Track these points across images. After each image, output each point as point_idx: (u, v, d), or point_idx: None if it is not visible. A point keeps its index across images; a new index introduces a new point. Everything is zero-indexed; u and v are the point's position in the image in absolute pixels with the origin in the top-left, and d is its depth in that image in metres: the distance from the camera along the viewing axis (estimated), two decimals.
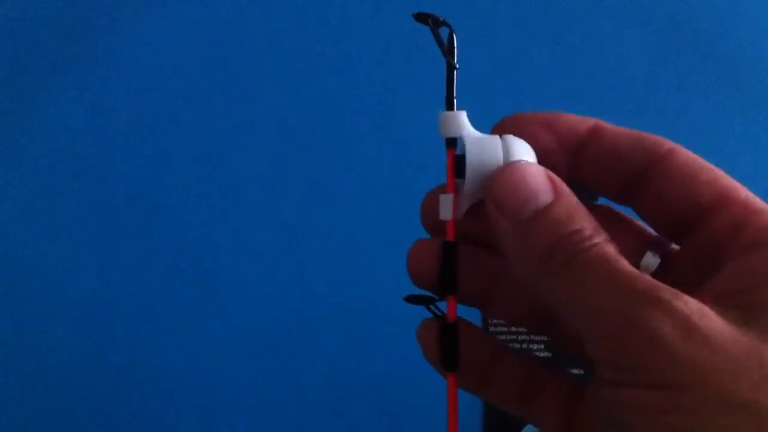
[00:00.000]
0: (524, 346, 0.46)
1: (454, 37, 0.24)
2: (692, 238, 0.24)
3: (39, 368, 0.51)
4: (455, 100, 0.25)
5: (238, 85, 0.56)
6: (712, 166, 0.24)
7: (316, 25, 0.57)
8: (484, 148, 0.24)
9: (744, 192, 0.23)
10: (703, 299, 0.20)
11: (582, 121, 0.25)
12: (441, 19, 0.24)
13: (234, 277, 0.52)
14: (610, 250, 0.22)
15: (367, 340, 0.49)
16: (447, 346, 0.25)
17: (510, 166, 0.23)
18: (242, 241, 0.52)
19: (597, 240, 0.22)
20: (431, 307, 0.26)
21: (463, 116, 0.25)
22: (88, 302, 0.52)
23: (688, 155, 0.24)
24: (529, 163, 0.23)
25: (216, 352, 0.50)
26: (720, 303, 0.20)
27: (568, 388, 0.26)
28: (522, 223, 0.23)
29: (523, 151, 0.24)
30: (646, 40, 0.54)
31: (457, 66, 0.25)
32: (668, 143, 0.24)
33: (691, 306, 0.20)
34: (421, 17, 0.25)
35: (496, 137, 0.24)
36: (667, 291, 0.20)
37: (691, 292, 0.21)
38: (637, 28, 0.55)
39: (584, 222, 0.22)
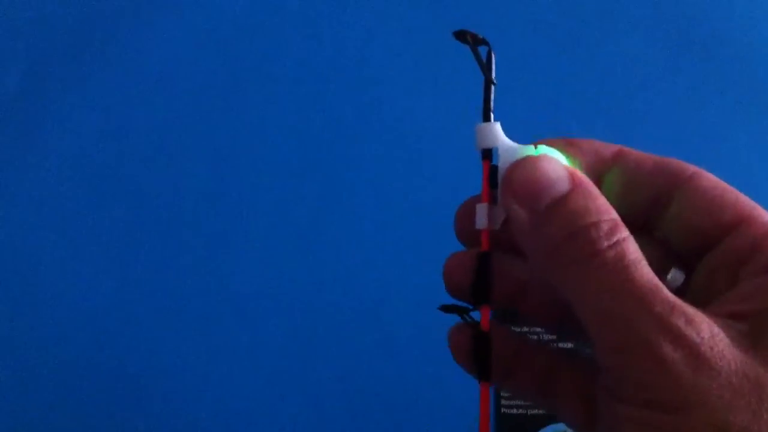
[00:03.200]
0: None
1: (493, 55, 0.25)
2: (711, 255, 0.24)
3: (51, 371, 0.51)
4: (492, 113, 0.26)
5: (252, 91, 0.57)
6: (734, 189, 0.25)
7: (330, 28, 0.58)
8: (517, 157, 0.25)
9: (767, 214, 0.24)
10: (717, 316, 0.21)
11: (606, 147, 0.26)
12: (480, 37, 0.25)
13: (248, 281, 0.52)
14: (630, 252, 0.22)
15: (382, 344, 0.49)
16: (481, 356, 0.26)
17: (527, 158, 0.24)
18: (257, 244, 0.53)
19: (616, 237, 0.22)
20: (465, 316, 0.26)
21: (497, 127, 0.26)
22: (103, 307, 0.52)
23: (711, 178, 0.25)
24: (547, 155, 0.24)
25: (229, 356, 0.50)
26: (732, 323, 0.21)
27: (586, 379, 0.26)
28: (538, 213, 0.23)
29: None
30: (658, 43, 0.55)
31: (495, 82, 0.25)
32: (692, 168, 0.25)
33: (703, 334, 0.20)
34: (461, 35, 0.25)
35: (530, 147, 0.25)
36: (681, 316, 0.20)
37: (706, 305, 0.22)
38: (650, 31, 0.55)
39: (603, 215, 0.22)
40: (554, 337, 0.47)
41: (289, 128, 0.56)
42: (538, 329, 0.47)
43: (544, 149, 0.25)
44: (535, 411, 0.46)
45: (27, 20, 0.60)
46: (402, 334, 0.48)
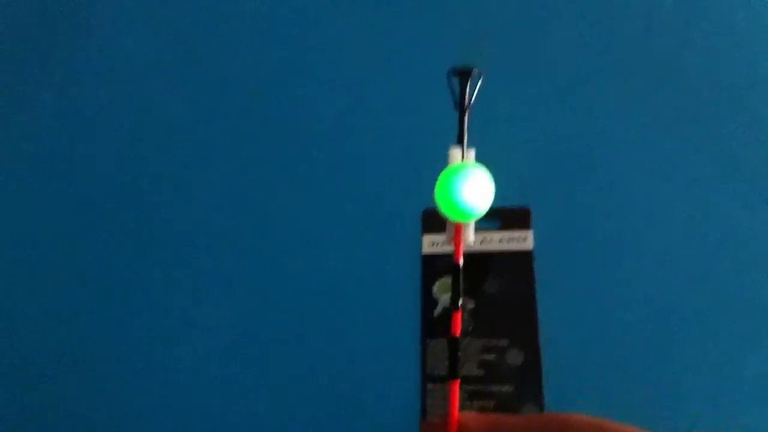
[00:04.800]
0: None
1: (469, 82, 0.28)
2: None
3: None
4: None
5: (209, 86, 0.58)
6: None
7: (288, 55, 0.60)
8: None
9: None
10: None
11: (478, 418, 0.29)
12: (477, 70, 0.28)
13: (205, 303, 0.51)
14: None
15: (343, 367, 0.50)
16: (451, 357, 0.28)
17: None
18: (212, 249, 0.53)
19: None
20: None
21: (458, 151, 0.28)
22: (56, 313, 0.50)
23: (583, 418, 0.27)
24: None
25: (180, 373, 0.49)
26: None
27: None
28: None
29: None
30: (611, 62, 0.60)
31: (469, 107, 0.28)
32: (563, 415, 0.27)
33: None
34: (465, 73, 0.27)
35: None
36: None
37: None
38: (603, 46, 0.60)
39: None
40: (479, 348, 0.51)
41: (240, 147, 0.57)
42: (464, 340, 0.51)
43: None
44: None
45: None
46: (357, 343, 0.49)
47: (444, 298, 0.51)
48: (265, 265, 0.53)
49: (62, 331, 0.50)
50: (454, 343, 0.29)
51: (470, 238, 0.30)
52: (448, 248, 0.54)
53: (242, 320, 0.51)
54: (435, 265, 0.52)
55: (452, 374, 0.29)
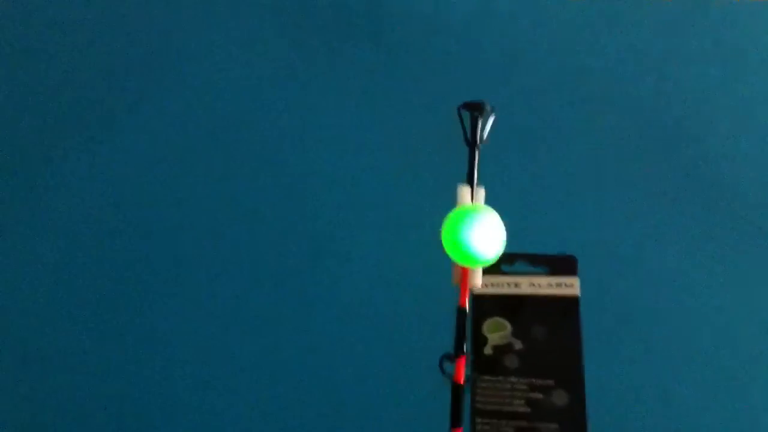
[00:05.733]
0: (507, 401, 0.53)
1: (480, 119, 0.29)
2: None
3: None
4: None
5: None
6: None
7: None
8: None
9: None
10: None
11: None
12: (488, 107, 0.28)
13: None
14: None
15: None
16: (454, 403, 0.30)
17: None
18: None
19: None
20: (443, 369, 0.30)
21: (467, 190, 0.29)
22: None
23: None
24: None
25: None
26: None
27: None
28: None
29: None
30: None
31: (479, 145, 0.30)
32: None
33: None
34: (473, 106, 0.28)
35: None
36: None
37: None
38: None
39: None
40: (526, 387, 0.54)
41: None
42: (513, 379, 0.54)
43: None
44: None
45: None
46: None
47: (493, 337, 0.55)
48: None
49: (62, 331, 0.56)
50: (456, 390, 0.30)
51: (477, 281, 0.31)
52: (498, 289, 0.58)
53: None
54: (484, 305, 0.56)
55: (455, 422, 0.30)
